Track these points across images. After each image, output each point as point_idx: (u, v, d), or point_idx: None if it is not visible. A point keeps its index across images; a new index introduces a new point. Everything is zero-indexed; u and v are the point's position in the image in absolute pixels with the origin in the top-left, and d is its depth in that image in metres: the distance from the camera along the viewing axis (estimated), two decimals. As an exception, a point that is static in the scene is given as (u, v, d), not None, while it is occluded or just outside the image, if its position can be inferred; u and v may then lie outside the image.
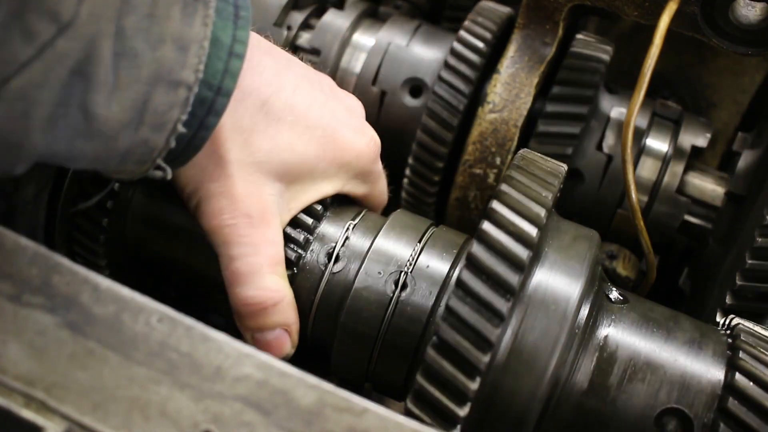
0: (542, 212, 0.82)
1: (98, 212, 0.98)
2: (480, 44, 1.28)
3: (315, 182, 0.96)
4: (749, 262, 1.08)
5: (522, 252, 0.79)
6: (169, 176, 0.82)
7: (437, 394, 0.77)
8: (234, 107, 0.83)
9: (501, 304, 0.77)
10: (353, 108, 1.02)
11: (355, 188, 1.02)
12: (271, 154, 0.89)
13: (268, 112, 0.89)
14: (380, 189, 1.07)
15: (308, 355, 1.04)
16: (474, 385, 0.76)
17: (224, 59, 0.78)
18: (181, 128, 0.78)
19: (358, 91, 1.37)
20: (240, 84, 0.81)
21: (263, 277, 0.88)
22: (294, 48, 1.41)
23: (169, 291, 1.10)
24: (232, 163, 0.87)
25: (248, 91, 0.86)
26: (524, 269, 0.78)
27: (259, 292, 0.88)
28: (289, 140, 0.91)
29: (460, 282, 0.78)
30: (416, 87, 1.36)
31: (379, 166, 1.05)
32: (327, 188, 0.97)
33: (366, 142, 1.00)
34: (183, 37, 0.74)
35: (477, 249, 0.79)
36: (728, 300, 1.10)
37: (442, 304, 0.89)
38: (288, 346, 0.92)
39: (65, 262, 0.70)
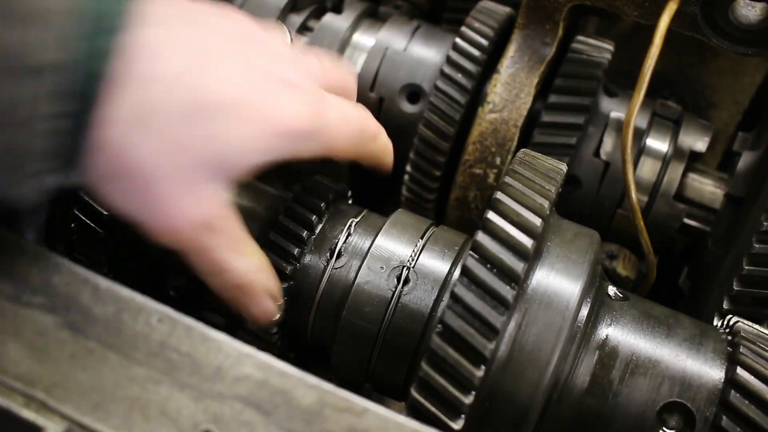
0: (546, 204, 0.83)
1: (98, 212, 0.98)
2: (482, 41, 1.28)
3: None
4: (746, 268, 1.08)
5: (526, 241, 0.79)
6: (75, 182, 0.71)
7: (442, 381, 0.77)
8: (125, 93, 0.69)
9: (506, 291, 0.78)
10: (279, 55, 0.85)
11: (303, 152, 0.88)
12: (194, 148, 0.75)
13: (170, 98, 0.72)
14: (339, 134, 0.92)
15: (308, 354, 1.04)
16: (479, 373, 0.76)
17: (105, 35, 0.65)
18: (56, 123, 0.65)
19: (357, 96, 1.37)
20: (130, 63, 0.67)
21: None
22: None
23: (169, 291, 1.10)
24: (142, 165, 0.73)
25: (142, 73, 0.70)
26: (529, 258, 0.79)
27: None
28: (210, 128, 0.76)
29: (465, 270, 0.78)
30: (414, 93, 1.36)
31: (329, 117, 0.87)
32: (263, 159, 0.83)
33: (300, 104, 0.83)
34: (41, 11, 0.62)
35: (482, 237, 0.79)
36: (726, 305, 1.10)
37: (444, 299, 0.89)
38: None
39: (65, 262, 0.70)
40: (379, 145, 0.98)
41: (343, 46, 1.40)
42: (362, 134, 0.94)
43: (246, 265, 0.83)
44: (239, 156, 0.78)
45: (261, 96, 0.79)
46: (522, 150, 0.96)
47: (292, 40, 1.40)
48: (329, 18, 1.43)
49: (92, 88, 0.66)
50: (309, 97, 0.84)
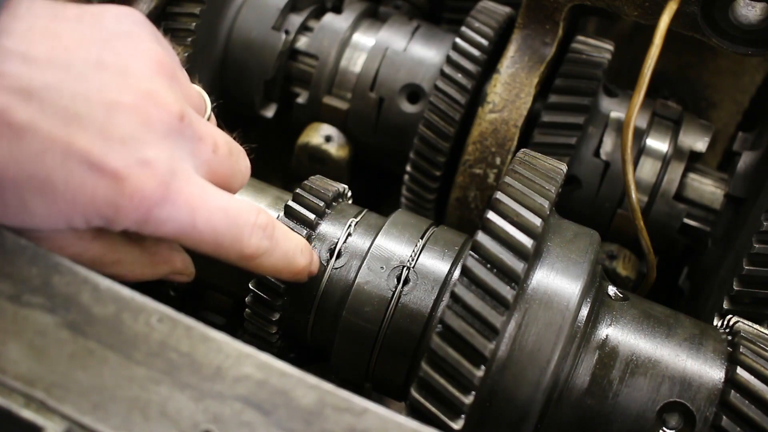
0: (546, 204, 0.83)
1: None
2: (482, 41, 1.29)
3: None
4: (746, 268, 1.08)
5: (526, 241, 0.79)
6: None
7: (442, 381, 0.77)
8: None
9: (506, 291, 0.78)
10: (119, 105, 0.71)
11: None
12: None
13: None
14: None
15: (308, 354, 1.04)
16: (479, 373, 0.77)
17: None
18: None
19: (357, 96, 1.38)
20: None
21: None
22: (293, 52, 1.41)
23: (169, 291, 1.10)
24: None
25: None
26: (529, 258, 0.79)
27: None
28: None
29: (465, 269, 0.78)
30: (414, 93, 1.36)
31: (165, 212, 0.73)
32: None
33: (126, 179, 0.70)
34: None
35: (482, 237, 0.79)
36: (725, 305, 1.10)
37: (444, 298, 0.89)
38: None
39: (65, 262, 0.70)
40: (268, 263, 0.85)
41: (343, 46, 1.41)
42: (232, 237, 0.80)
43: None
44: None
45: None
46: (522, 150, 0.96)
47: (290, 44, 1.40)
48: (329, 18, 1.43)
49: None
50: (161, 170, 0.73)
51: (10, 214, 0.70)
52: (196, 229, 0.76)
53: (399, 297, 0.91)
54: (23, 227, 0.71)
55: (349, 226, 0.97)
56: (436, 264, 0.93)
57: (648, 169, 1.31)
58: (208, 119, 0.87)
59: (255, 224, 0.81)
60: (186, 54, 0.89)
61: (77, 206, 0.70)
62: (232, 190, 0.84)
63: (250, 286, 0.95)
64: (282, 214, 0.97)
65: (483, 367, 0.77)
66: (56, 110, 0.68)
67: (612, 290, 0.93)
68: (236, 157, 0.84)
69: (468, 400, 0.77)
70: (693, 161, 1.34)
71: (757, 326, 0.91)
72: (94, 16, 0.75)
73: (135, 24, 0.78)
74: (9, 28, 0.67)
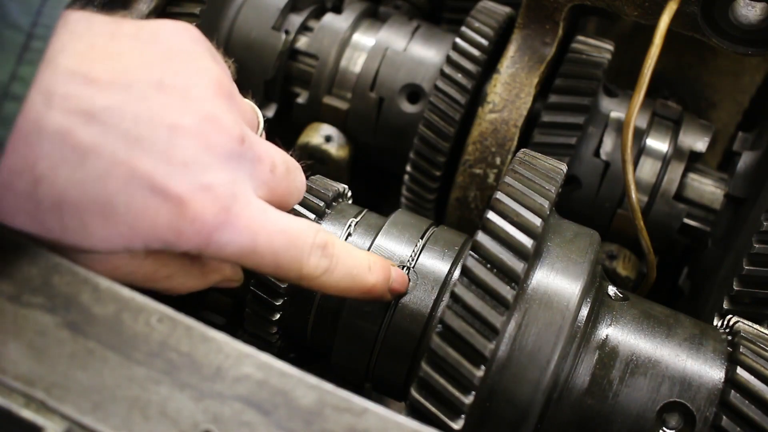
0: (546, 204, 0.83)
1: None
2: (482, 41, 1.29)
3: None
4: (746, 268, 1.08)
5: (526, 241, 0.80)
6: None
7: (442, 381, 0.77)
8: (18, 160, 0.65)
9: (506, 291, 0.78)
10: (186, 142, 0.71)
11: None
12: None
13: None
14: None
15: (308, 354, 1.04)
16: (479, 373, 0.77)
17: None
18: None
19: (357, 96, 1.38)
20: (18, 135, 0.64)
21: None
22: (293, 52, 1.41)
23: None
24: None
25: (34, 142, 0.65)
26: (529, 258, 0.79)
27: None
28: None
29: (465, 269, 0.78)
30: (414, 93, 1.36)
31: (225, 249, 0.74)
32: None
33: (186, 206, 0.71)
34: None
35: (482, 237, 0.79)
36: (725, 305, 1.10)
37: (444, 298, 0.89)
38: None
39: (65, 262, 0.70)
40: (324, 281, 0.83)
41: (343, 46, 1.41)
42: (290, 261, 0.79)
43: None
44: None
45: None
46: (522, 150, 0.96)
47: (290, 44, 1.40)
48: (329, 18, 1.43)
49: None
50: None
51: (68, 234, 0.69)
52: (256, 253, 0.76)
53: (399, 297, 0.91)
54: (79, 248, 0.71)
55: (349, 226, 0.97)
56: (436, 264, 0.93)
57: (648, 169, 1.31)
58: (261, 135, 0.87)
59: (313, 244, 0.80)
60: (236, 65, 0.88)
61: (138, 230, 0.70)
62: (288, 207, 0.84)
63: (250, 286, 0.95)
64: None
65: (483, 367, 0.77)
66: (119, 132, 0.67)
67: (612, 290, 0.93)
68: (293, 174, 0.85)
69: (468, 400, 0.77)
70: (693, 161, 1.34)
71: (757, 326, 0.91)
72: (152, 34, 0.74)
73: (192, 42, 0.78)
74: (68, 48, 0.67)
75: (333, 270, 0.83)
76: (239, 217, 0.74)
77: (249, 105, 0.86)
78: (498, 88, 1.26)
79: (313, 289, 0.85)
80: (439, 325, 0.78)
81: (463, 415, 0.78)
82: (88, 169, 0.67)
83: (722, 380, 0.84)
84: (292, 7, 1.42)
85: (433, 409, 0.78)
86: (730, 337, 0.90)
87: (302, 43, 1.42)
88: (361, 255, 0.87)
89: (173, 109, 0.71)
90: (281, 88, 1.44)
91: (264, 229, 0.76)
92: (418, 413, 0.79)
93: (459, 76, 1.28)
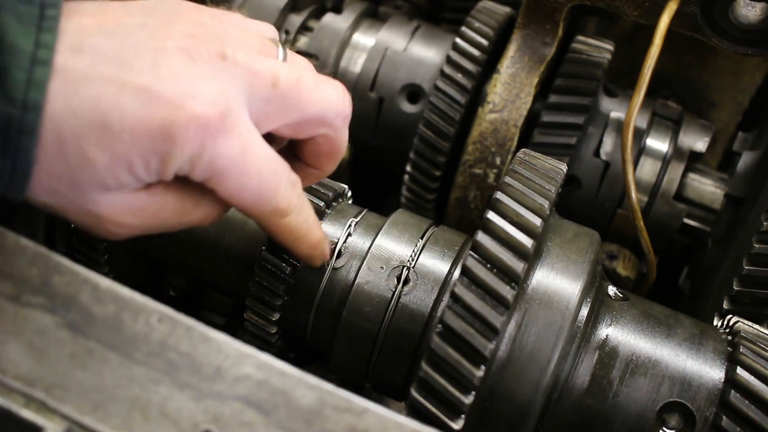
0: (546, 204, 0.83)
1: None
2: (482, 41, 1.29)
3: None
4: (746, 268, 1.08)
5: (526, 241, 0.80)
6: (20, 200, 0.72)
7: (442, 381, 0.77)
8: (56, 117, 0.69)
9: (506, 291, 0.78)
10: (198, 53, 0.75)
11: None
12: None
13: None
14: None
15: (308, 354, 1.04)
16: (479, 373, 0.77)
17: (26, 68, 0.67)
18: None
19: (357, 96, 1.38)
20: (52, 93, 0.68)
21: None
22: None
23: (169, 291, 1.10)
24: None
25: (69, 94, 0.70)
26: (529, 258, 0.79)
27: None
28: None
29: (465, 269, 0.78)
30: (414, 93, 1.37)
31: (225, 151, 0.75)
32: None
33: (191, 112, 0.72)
34: None
35: (482, 237, 0.79)
36: (725, 305, 1.10)
37: (444, 298, 0.89)
38: None
39: (65, 262, 0.70)
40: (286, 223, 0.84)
41: (343, 46, 1.41)
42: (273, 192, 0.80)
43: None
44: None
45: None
46: (522, 150, 0.96)
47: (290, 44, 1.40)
48: (329, 18, 1.43)
49: (26, 119, 0.68)
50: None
51: (75, 171, 0.71)
52: (245, 172, 0.76)
53: (399, 297, 0.91)
54: (89, 186, 0.72)
55: (349, 226, 0.97)
56: (436, 264, 0.93)
57: (648, 169, 1.31)
58: (279, 49, 0.85)
59: (289, 178, 0.82)
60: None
61: (134, 144, 0.71)
62: (307, 120, 0.82)
63: (250, 287, 0.95)
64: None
65: (483, 367, 0.77)
66: (106, 58, 0.71)
67: (612, 290, 0.93)
68: (305, 84, 0.81)
69: (468, 400, 0.77)
70: (693, 161, 1.34)
71: (757, 326, 0.91)
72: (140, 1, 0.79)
73: (178, 2, 0.81)
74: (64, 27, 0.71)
75: (299, 211, 0.84)
76: (233, 129, 0.75)
77: (255, 27, 0.87)
78: (498, 88, 1.26)
79: (272, 231, 0.85)
80: (439, 325, 0.78)
81: (463, 415, 0.78)
82: (80, 95, 0.69)
83: (722, 380, 0.84)
84: (292, 7, 1.42)
85: (433, 409, 0.78)
86: (730, 337, 0.90)
87: (302, 43, 1.42)
88: (312, 207, 0.89)
89: (156, 37, 0.74)
90: (281, 88, 1.44)
91: (253, 147, 0.77)
92: (418, 413, 0.79)
93: (459, 76, 1.28)
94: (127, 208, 0.76)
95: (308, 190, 0.99)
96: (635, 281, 1.33)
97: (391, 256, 0.94)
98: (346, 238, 0.96)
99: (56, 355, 0.65)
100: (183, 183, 0.78)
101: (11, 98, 0.66)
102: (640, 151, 1.32)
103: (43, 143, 0.69)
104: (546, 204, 0.83)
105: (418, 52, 1.38)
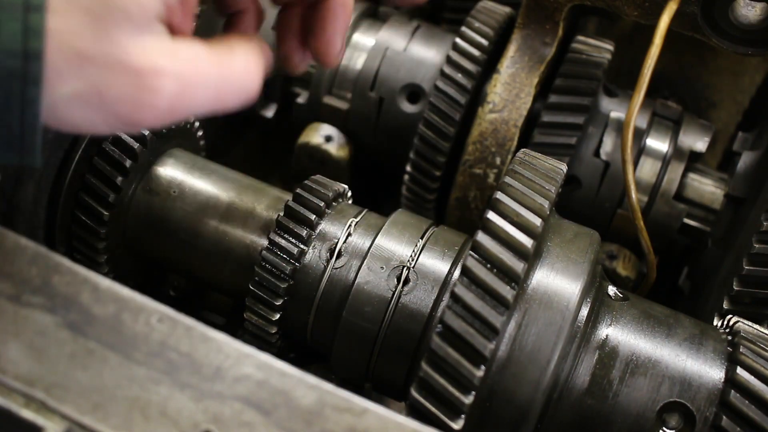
0: (546, 204, 0.83)
1: (99, 207, 0.98)
2: (482, 41, 1.29)
3: None
4: (746, 268, 1.08)
5: (526, 241, 0.80)
6: (38, 164, 0.71)
7: (442, 381, 0.77)
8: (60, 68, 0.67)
9: (506, 291, 0.78)
10: None
11: None
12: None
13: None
14: None
15: (308, 354, 1.04)
16: (479, 373, 0.77)
17: (20, 18, 0.65)
18: None
19: (357, 96, 1.38)
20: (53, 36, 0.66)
21: None
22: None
23: (169, 291, 1.10)
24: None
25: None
26: (529, 258, 0.79)
27: None
28: None
29: (465, 269, 0.78)
30: (414, 93, 1.37)
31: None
32: None
33: None
34: None
35: (482, 237, 0.79)
36: (725, 305, 1.10)
37: (444, 298, 0.89)
38: None
39: (65, 262, 0.70)
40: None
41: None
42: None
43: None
44: None
45: None
46: (522, 150, 0.96)
47: None
48: (329, 18, 1.42)
49: (30, 68, 0.65)
50: None
51: (98, 17, 0.68)
52: None
53: (399, 297, 0.91)
54: (116, 27, 0.69)
55: (349, 226, 0.97)
56: (436, 264, 0.93)
57: (648, 169, 1.31)
58: None
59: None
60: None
61: None
62: None
63: (250, 286, 0.95)
64: (282, 213, 0.97)
65: (483, 367, 0.77)
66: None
67: (612, 290, 0.93)
68: None
69: (468, 400, 0.77)
70: (693, 161, 1.34)
71: (757, 326, 0.91)
72: None
73: None
74: None
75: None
76: None
77: None
78: (498, 88, 1.26)
79: None
80: (439, 325, 0.78)
81: (463, 415, 0.78)
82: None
83: (722, 380, 0.84)
84: (292, 7, 1.42)
85: (433, 409, 0.78)
86: (730, 337, 0.90)
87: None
88: None
89: None
90: (281, 88, 1.44)
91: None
92: (418, 413, 0.79)
93: (459, 76, 1.28)
94: (159, 50, 0.72)
95: (308, 190, 0.99)
96: (635, 281, 1.33)
97: (391, 256, 0.94)
98: (346, 238, 0.96)
99: (56, 355, 0.65)
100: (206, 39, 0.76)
101: (9, 50, 0.64)
102: (640, 151, 1.32)
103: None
104: (546, 204, 0.83)
105: (418, 52, 1.38)
